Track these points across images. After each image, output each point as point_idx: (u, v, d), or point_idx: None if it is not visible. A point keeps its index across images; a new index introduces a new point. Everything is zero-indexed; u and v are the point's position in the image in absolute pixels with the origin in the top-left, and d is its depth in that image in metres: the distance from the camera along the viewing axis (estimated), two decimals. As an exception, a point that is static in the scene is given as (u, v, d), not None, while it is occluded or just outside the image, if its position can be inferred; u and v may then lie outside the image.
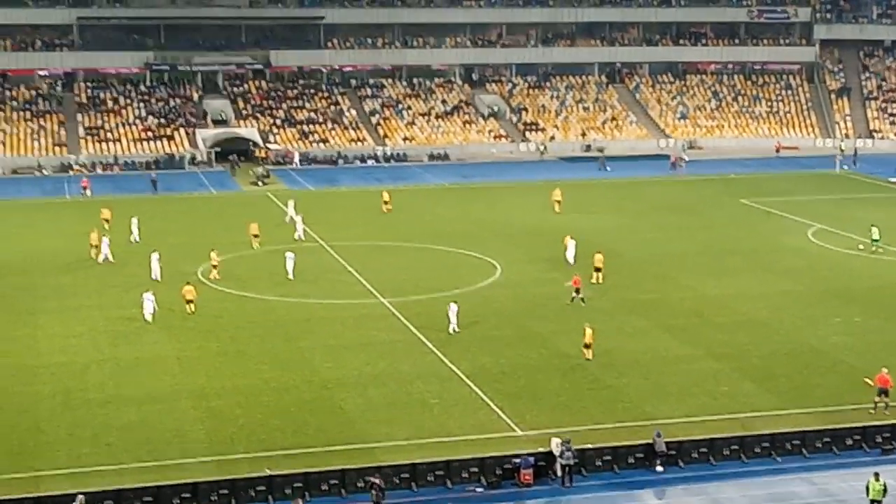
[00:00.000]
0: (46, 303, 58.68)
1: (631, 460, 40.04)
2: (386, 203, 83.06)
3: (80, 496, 35.16)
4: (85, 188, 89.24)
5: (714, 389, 46.79)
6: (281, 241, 71.27)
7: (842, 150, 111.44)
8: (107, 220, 75.70)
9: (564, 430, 41.03)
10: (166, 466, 39.03)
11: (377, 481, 36.61)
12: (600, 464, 39.79)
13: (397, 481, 38.22)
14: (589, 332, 49.91)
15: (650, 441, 39.99)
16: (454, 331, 53.58)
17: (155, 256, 63.34)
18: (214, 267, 63.09)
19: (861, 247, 70.81)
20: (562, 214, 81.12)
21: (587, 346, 49.81)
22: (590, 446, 39.99)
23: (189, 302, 56.56)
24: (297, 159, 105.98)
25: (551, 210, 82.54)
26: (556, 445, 38.98)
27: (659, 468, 39.82)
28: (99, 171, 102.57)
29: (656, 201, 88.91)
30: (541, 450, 39.49)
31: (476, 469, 38.91)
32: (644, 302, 59.33)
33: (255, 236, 71.08)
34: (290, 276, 63.20)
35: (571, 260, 66.67)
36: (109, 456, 40.02)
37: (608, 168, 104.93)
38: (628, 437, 40.94)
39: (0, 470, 38.73)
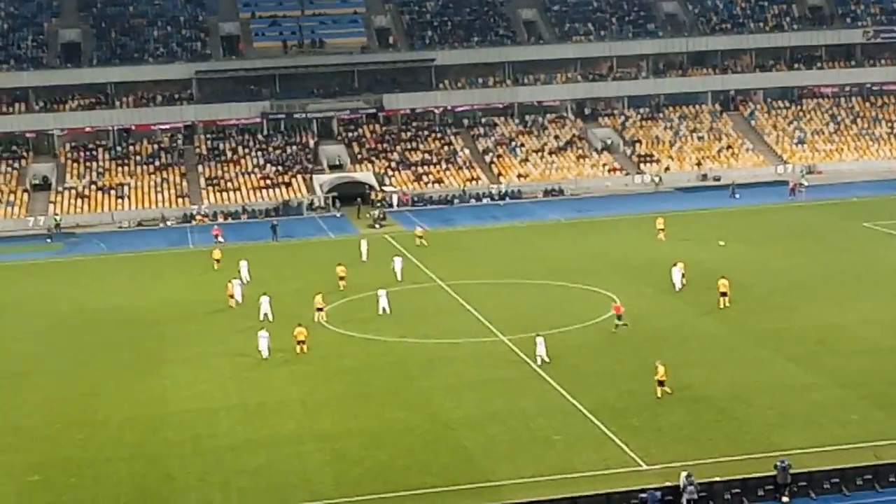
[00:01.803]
0: (174, 351, 59.99)
1: (760, 493, 39.37)
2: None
3: None
4: (217, 236, 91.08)
5: (842, 418, 45.85)
6: (392, 283, 72.09)
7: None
8: (217, 261, 79.59)
9: (690, 464, 40.59)
10: (294, 509, 39.58)
11: None
12: (728, 497, 39.20)
13: (523, 519, 38.21)
14: (661, 369, 48.91)
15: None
16: (543, 361, 53.84)
17: (265, 299, 64.77)
18: (319, 310, 63.91)
19: None
20: (668, 243, 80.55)
21: (661, 384, 48.85)
22: (717, 479, 39.45)
23: (300, 342, 57.50)
24: (395, 201, 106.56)
25: (655, 239, 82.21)
26: (683, 479, 38.57)
27: (785, 499, 39.09)
28: (220, 219, 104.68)
29: (776, 228, 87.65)
30: (667, 484, 39.09)
31: (602, 505, 38.71)
32: (767, 331, 58.45)
33: (342, 278, 72.23)
34: (387, 310, 65.21)
35: (678, 285, 66.79)
36: (240, 500, 40.73)
37: (737, 195, 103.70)
38: (756, 469, 40.28)
39: (134, 516, 39.68)
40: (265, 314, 64.45)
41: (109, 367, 57.73)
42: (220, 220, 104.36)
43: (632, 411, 47.48)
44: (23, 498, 41.79)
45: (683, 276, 67.95)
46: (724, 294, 63.46)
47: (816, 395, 48.67)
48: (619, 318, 59.71)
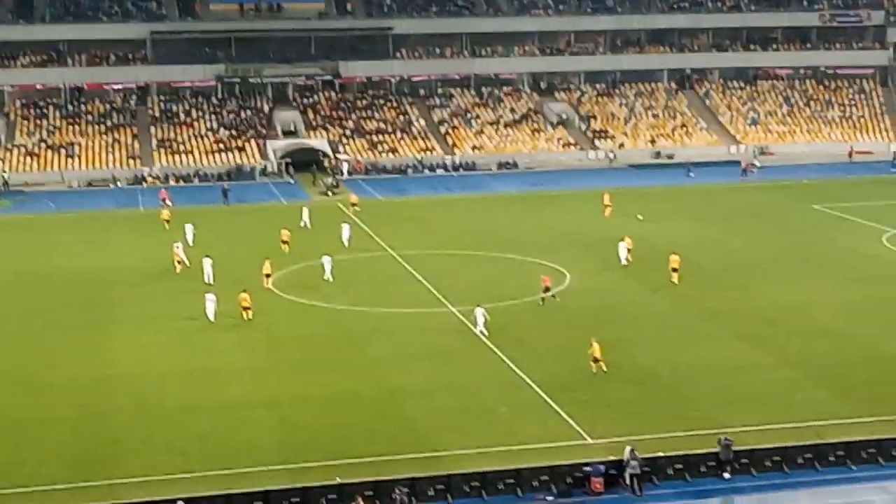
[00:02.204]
0: (122, 313, 59.50)
1: (703, 469, 39.68)
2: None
3: (180, 502, 35.57)
4: (164, 199, 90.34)
5: (788, 398, 46.27)
6: (340, 250, 71.94)
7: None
8: (167, 221, 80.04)
9: (636, 439, 40.78)
10: (239, 475, 39.36)
11: (401, 494, 36.41)
12: (671, 472, 39.50)
13: (467, 490, 38.24)
14: (596, 346, 48.84)
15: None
16: (482, 333, 54.02)
17: (207, 262, 64.66)
18: (268, 276, 63.67)
19: None
20: (621, 219, 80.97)
21: (596, 360, 48.76)
22: (661, 455, 39.73)
23: (245, 308, 57.12)
24: (345, 169, 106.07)
25: (601, 215, 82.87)
26: (627, 453, 38.81)
27: (726, 475, 39.44)
28: (172, 182, 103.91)
29: (728, 208, 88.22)
30: (612, 458, 39.31)
31: (546, 477, 38.79)
32: (716, 310, 58.84)
33: (285, 242, 72.53)
34: (330, 279, 65.22)
35: (624, 260, 67.46)
36: (183, 464, 40.49)
37: (692, 174, 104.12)
38: (701, 446, 40.58)
39: (78, 479, 39.35)
40: (209, 276, 64.30)
41: (56, 328, 57.18)
42: (172, 182, 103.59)
43: (579, 385, 47.66)
44: (-37, 457, 41.41)
45: (629, 251, 68.40)
46: (675, 270, 63.88)
47: (763, 374, 49.10)
48: (546, 290, 60.13)
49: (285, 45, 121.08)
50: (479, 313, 54.86)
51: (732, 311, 58.75)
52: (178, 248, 69.12)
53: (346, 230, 75.01)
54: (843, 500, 38.20)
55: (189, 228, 75.93)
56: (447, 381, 48.57)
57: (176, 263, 67.68)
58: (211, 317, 57.05)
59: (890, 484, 39.27)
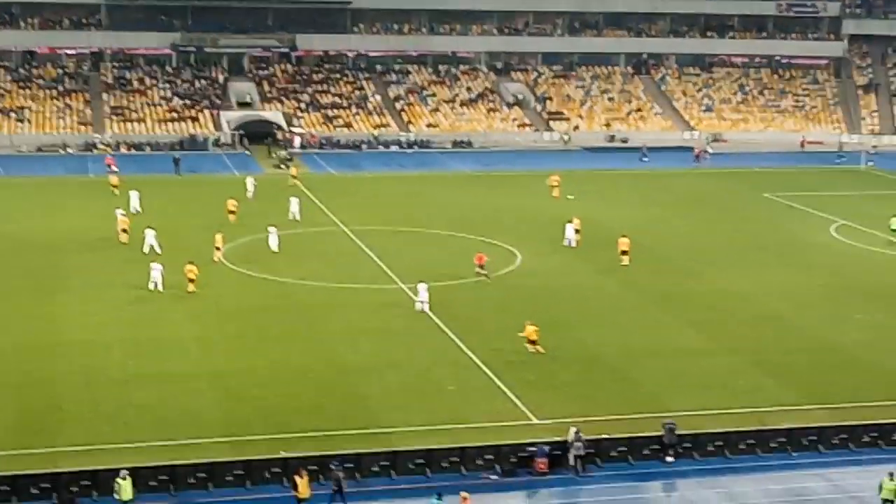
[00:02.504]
0: (68, 281, 58.95)
1: (646, 452, 39.99)
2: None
3: (124, 471, 35.37)
4: (110, 165, 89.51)
5: (732, 384, 46.68)
6: (288, 223, 71.69)
7: (874, 147, 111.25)
8: (115, 186, 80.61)
9: (581, 420, 40.99)
10: (183, 446, 39.21)
11: (338, 472, 36.41)
12: (615, 454, 39.78)
13: (412, 467, 38.32)
14: (530, 328, 48.81)
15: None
16: (422, 310, 54.24)
17: (150, 233, 64.31)
18: (218, 248, 63.31)
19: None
20: (575, 202, 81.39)
21: (533, 343, 48.66)
22: (605, 437, 39.98)
23: (191, 281, 56.67)
24: (297, 143, 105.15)
25: (549, 196, 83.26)
26: (571, 434, 39.01)
27: (669, 459, 39.78)
28: (123, 150, 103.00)
29: (680, 193, 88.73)
30: (556, 439, 39.50)
31: (491, 456, 38.94)
32: (665, 294, 59.20)
33: (232, 212, 72.73)
34: (276, 249, 65.31)
35: (573, 242, 68.03)
36: (127, 434, 40.23)
37: (646, 159, 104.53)
38: (645, 429, 40.87)
39: (19, 445, 39.03)
40: (150, 246, 63.78)
41: (2, 293, 56.53)
42: (124, 150, 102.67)
43: (527, 366, 47.80)
44: None
45: (577, 232, 68.74)
46: (624, 252, 64.26)
47: (708, 359, 49.49)
48: (481, 268, 60.44)
49: (242, 16, 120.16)
50: (422, 289, 54.95)
51: (680, 295, 59.15)
52: (122, 214, 68.60)
53: (294, 203, 74.78)
54: (784, 486, 38.60)
55: (134, 195, 75.54)
56: (395, 358, 48.57)
57: (120, 231, 66.86)
58: (159, 286, 56.61)
59: (830, 471, 39.75)
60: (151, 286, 56.65)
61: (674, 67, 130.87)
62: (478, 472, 38.65)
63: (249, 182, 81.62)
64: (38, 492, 35.83)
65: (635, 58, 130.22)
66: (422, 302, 54.66)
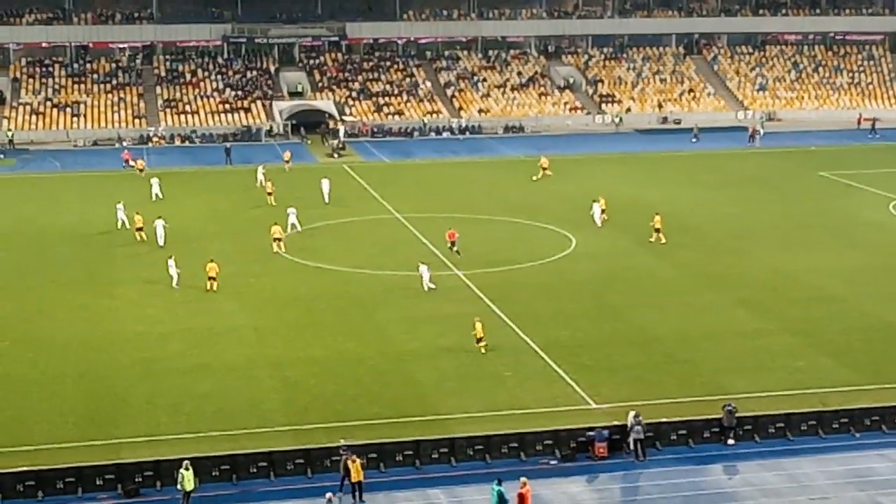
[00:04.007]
0: (125, 273, 59.54)
1: (706, 434, 39.80)
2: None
3: (186, 462, 35.71)
4: (127, 161, 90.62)
5: (790, 364, 46.32)
6: (321, 205, 71.92)
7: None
8: (141, 170, 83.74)
9: (639, 404, 40.87)
10: (242, 435, 39.52)
11: (346, 454, 36.52)
12: (675, 438, 39.63)
13: (471, 453, 38.38)
14: (479, 326, 47.91)
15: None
16: (429, 288, 54.92)
17: (160, 223, 64.52)
18: (277, 240, 63.58)
19: None
20: (547, 181, 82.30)
21: (479, 341, 47.70)
22: (664, 420, 39.81)
23: (211, 279, 56.11)
24: (341, 133, 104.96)
25: (535, 177, 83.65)
26: (630, 419, 38.89)
27: (730, 442, 39.53)
28: (177, 142, 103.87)
29: (734, 174, 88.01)
30: (615, 423, 39.39)
31: (550, 442, 38.92)
32: (719, 276, 58.83)
33: (270, 194, 75.30)
34: (297, 227, 67.37)
35: (599, 222, 68.32)
36: (187, 424, 40.63)
37: (695, 140, 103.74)
38: (703, 412, 40.66)
39: (81, 437, 39.53)
40: (161, 242, 64.12)
41: (60, 286, 57.27)
42: (177, 143, 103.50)
43: (583, 350, 47.74)
44: (-31, 414, 41.57)
45: (603, 212, 68.95)
46: (657, 230, 64.44)
47: (765, 340, 49.11)
48: (451, 244, 61.59)
49: (292, 6, 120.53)
50: (424, 270, 55.60)
51: (736, 276, 58.75)
52: (120, 209, 69.05)
53: (325, 185, 75.94)
54: (846, 467, 38.23)
55: (155, 182, 77.43)
56: (452, 344, 48.58)
57: (135, 231, 66.06)
58: (174, 281, 56.51)
59: (892, 451, 39.31)
60: (175, 284, 56.55)
61: (726, 47, 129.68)
62: (537, 457, 38.65)
63: (259, 172, 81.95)
64: (102, 483, 36.27)
65: (686, 38, 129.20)
66: (427, 279, 55.50)
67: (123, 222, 68.33)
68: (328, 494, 34.72)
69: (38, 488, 35.87)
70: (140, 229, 65.84)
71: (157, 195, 76.45)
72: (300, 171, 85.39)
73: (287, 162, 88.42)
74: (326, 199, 75.50)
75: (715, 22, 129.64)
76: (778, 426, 40.26)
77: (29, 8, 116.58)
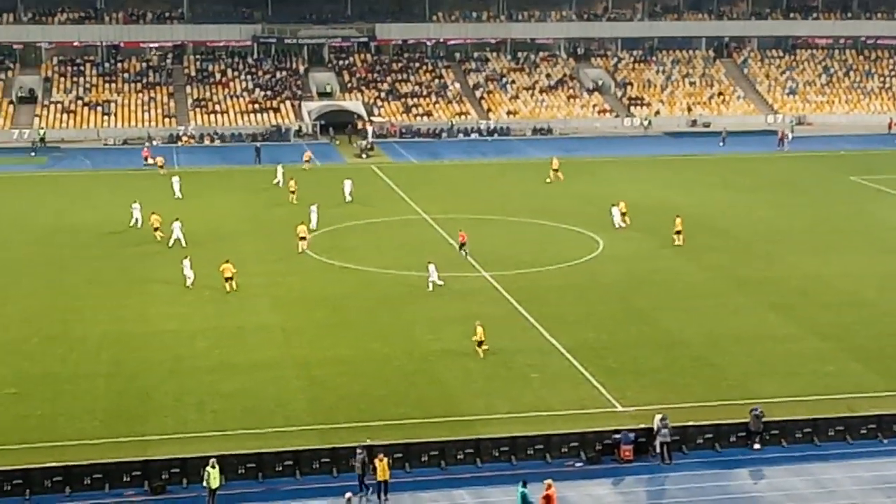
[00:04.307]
0: (154, 271, 59.74)
1: (732, 439, 39.64)
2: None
3: (213, 460, 35.84)
4: (146, 158, 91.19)
5: (819, 369, 46.09)
6: (342, 204, 72.04)
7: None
8: (161, 166, 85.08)
9: (666, 407, 40.78)
10: (269, 434, 39.64)
11: (363, 454, 36.50)
12: (701, 441, 39.49)
13: (496, 454, 38.36)
14: (480, 330, 47.41)
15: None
16: (437, 285, 55.63)
17: (177, 225, 64.77)
18: (302, 238, 63.79)
19: None
20: (557, 183, 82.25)
21: (480, 344, 47.18)
22: (691, 424, 39.67)
23: (228, 279, 56.06)
24: (370, 134, 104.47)
25: (548, 179, 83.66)
26: (657, 422, 38.78)
27: (756, 446, 39.36)
28: (206, 142, 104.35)
29: (764, 177, 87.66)
30: (642, 426, 39.30)
31: (576, 444, 38.87)
32: (749, 279, 58.59)
33: (293, 192, 76.12)
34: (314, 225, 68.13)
35: (618, 224, 68.48)
36: (214, 422, 40.79)
37: (722, 143, 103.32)
38: (730, 416, 40.50)
39: (109, 434, 39.72)
40: (177, 239, 64.20)
41: (90, 283, 57.59)
42: (207, 142, 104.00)
43: (610, 353, 47.64)
44: (-2, 410, 41.86)
45: (624, 215, 69.18)
46: (678, 232, 64.41)
47: (795, 345, 48.89)
48: (462, 246, 61.93)
49: (321, 6, 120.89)
50: (432, 269, 56.02)
51: (764, 280, 58.51)
52: (135, 208, 69.23)
53: (347, 185, 76.66)
54: (874, 473, 38.02)
55: (176, 181, 78.11)
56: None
57: (153, 231, 66.25)
58: (189, 281, 56.51)
59: (921, 458, 39.14)
60: (189, 280, 56.58)
61: (756, 50, 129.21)
62: (562, 459, 38.61)
63: (279, 171, 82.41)
64: (129, 479, 36.45)
65: (716, 41, 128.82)
66: (435, 277, 55.84)
67: (137, 221, 68.59)
68: (348, 494, 34.84)
69: (65, 484, 36.08)
70: (157, 229, 65.98)
71: (177, 194, 77.20)
72: (327, 172, 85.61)
73: (307, 161, 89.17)
74: (349, 198, 76.04)
75: (745, 25, 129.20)
76: (805, 431, 40.05)
77: (61, 7, 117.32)
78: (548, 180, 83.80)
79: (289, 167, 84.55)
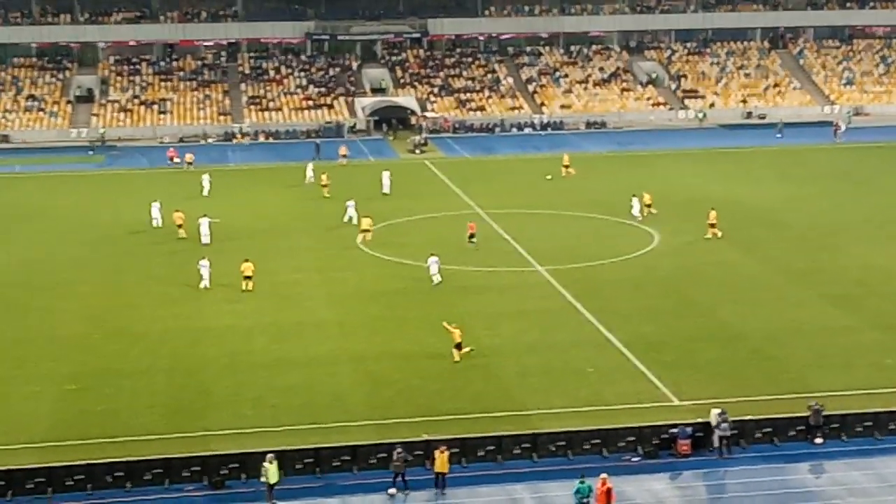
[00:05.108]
0: (215, 268, 60.02)
1: (791, 433, 39.31)
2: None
3: (270, 455, 36.12)
4: (172, 158, 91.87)
5: (879, 361, 45.57)
6: (379, 198, 72.12)
7: None
8: (190, 163, 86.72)
9: (723, 401, 40.49)
10: (327, 429, 39.80)
11: (403, 454, 36.50)
12: (759, 435, 39.19)
13: (553, 449, 38.32)
14: (456, 331, 46.54)
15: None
16: (437, 282, 55.45)
17: (204, 221, 64.91)
18: (366, 231, 63.96)
19: None
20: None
21: (458, 347, 46.12)
22: (749, 418, 39.40)
23: (247, 278, 56.00)
24: (423, 129, 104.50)
25: (560, 175, 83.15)
26: (714, 416, 38.55)
27: (818, 440, 39.00)
28: (261, 139, 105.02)
29: (820, 169, 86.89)
30: (699, 420, 39.09)
31: (633, 438, 38.72)
32: (807, 271, 58.08)
33: (325, 186, 77.16)
34: (353, 219, 68.20)
35: (638, 215, 68.89)
36: (272, 418, 41.05)
37: (779, 135, 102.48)
38: (789, 409, 40.16)
39: (170, 429, 40.08)
40: (205, 236, 64.49)
41: (149, 280, 58.15)
42: (262, 139, 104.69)
43: (666, 347, 47.41)
44: (59, 406, 42.33)
45: (650, 206, 69.49)
46: (712, 225, 64.12)
47: (854, 337, 48.39)
48: (471, 236, 62.77)
49: (374, 3, 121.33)
50: (433, 262, 56.04)
51: (822, 272, 57.98)
52: (155, 207, 69.44)
53: (385, 177, 77.47)
54: (936, 467, 37.63)
55: (206, 179, 78.82)
56: (534, 340, 48.56)
57: (176, 228, 66.60)
58: (206, 283, 56.29)
59: (983, 452, 38.62)
60: (206, 283, 56.38)
61: (812, 40, 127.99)
62: (619, 454, 38.47)
63: (309, 169, 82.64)
64: (189, 474, 36.79)
65: (771, 32, 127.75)
66: (435, 271, 55.90)
67: (156, 220, 68.89)
68: (391, 490, 34.94)
69: (126, 479, 36.46)
70: (180, 226, 66.28)
71: (206, 191, 77.88)
72: (379, 167, 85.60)
73: (343, 157, 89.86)
74: (387, 191, 76.89)
75: (801, 15, 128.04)
76: (866, 425, 39.63)
77: (117, 7, 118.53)
78: (548, 177, 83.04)
79: (320, 164, 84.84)
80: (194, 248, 64.10)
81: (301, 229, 68.64)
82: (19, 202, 78.48)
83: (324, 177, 78.16)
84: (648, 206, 69.79)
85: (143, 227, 69.54)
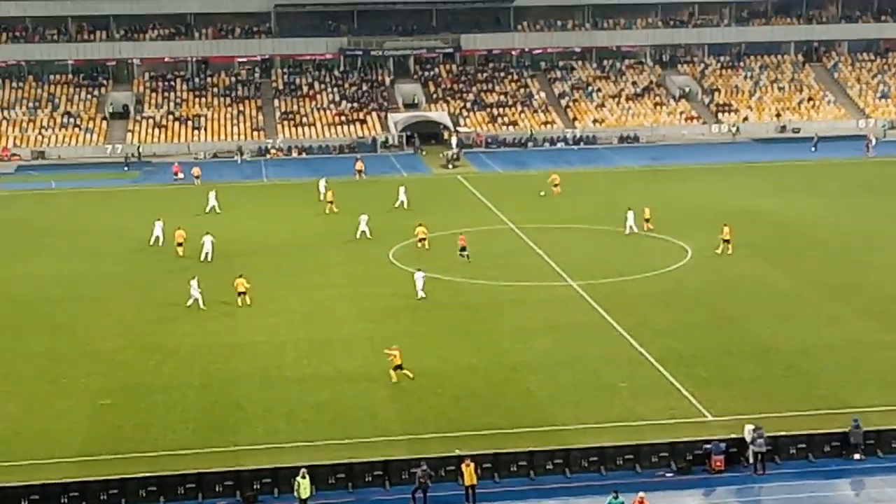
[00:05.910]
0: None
1: (827, 449, 39.01)
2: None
3: (303, 470, 36.15)
4: (176, 173, 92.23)
5: (916, 378, 45.23)
6: (392, 210, 72.15)
7: None
8: (197, 177, 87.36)
9: (757, 417, 40.25)
10: (358, 444, 39.83)
11: (426, 473, 36.37)
12: (794, 451, 38.91)
13: (585, 464, 38.18)
14: (396, 353, 45.80)
15: (846, 429, 38.88)
16: (421, 297, 55.57)
17: (208, 239, 65.14)
18: (422, 240, 65.72)
19: None
20: (559, 197, 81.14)
21: (398, 368, 45.63)
22: (784, 433, 39.13)
23: (241, 294, 56.11)
24: (454, 147, 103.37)
25: (549, 194, 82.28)
26: (748, 432, 38.30)
27: (857, 456, 38.64)
28: (294, 154, 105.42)
29: (855, 183, 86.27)
30: (733, 436, 38.84)
31: (666, 454, 38.54)
32: (841, 286, 57.66)
33: (330, 202, 76.97)
34: (367, 234, 69.26)
35: (634, 229, 68.78)
36: (304, 433, 41.11)
37: (813, 149, 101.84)
38: (824, 425, 39.87)
39: (203, 444, 40.22)
40: (206, 254, 64.65)
41: (181, 295, 58.22)
42: (294, 154, 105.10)
43: (699, 362, 47.17)
44: (94, 421, 42.56)
45: (648, 220, 69.15)
46: (726, 241, 63.73)
47: (889, 352, 47.97)
48: (462, 249, 62.78)
49: (406, 18, 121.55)
50: (419, 277, 56.11)
51: (857, 286, 57.54)
52: (158, 225, 69.38)
53: (402, 192, 77.51)
54: (973, 483, 37.22)
55: (212, 195, 79.04)
56: (567, 355, 48.43)
57: (176, 246, 66.43)
58: (191, 304, 55.90)
59: None
60: (190, 302, 56.07)
61: (846, 54, 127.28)
62: (652, 469, 38.31)
63: (321, 184, 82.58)
64: (221, 489, 36.89)
65: (805, 45, 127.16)
66: (420, 287, 56.08)
67: (158, 239, 68.93)
68: None
69: (159, 493, 36.61)
70: (180, 244, 66.24)
71: (213, 208, 78.09)
72: (411, 183, 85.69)
73: (360, 172, 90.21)
74: (405, 206, 77.24)
75: (835, 29, 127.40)
76: (903, 441, 39.32)
77: (151, 24, 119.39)
78: (542, 193, 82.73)
79: (332, 180, 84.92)
80: (229, 262, 64.23)
81: (329, 244, 68.73)
82: (55, 218, 79.12)
83: (329, 193, 78.38)
84: (647, 220, 69.47)
85: (174, 241, 69.62)
